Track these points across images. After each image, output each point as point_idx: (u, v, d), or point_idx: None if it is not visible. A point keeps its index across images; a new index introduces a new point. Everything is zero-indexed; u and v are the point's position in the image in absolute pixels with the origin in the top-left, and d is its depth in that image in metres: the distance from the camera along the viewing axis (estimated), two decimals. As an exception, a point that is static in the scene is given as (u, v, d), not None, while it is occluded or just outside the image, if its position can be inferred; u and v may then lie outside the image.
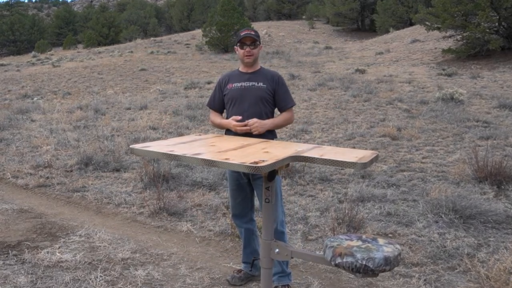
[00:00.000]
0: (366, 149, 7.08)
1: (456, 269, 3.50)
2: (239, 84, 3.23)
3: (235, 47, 3.28)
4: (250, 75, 3.25)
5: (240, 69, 3.33)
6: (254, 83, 3.22)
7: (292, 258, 2.54)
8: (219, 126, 3.32)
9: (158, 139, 8.30)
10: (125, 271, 3.55)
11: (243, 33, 3.18)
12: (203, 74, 22.13)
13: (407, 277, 3.41)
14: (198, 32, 41.78)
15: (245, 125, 3.08)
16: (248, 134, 3.09)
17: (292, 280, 3.30)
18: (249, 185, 3.28)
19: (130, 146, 2.49)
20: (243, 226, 3.38)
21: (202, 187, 5.65)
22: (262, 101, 3.20)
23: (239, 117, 3.12)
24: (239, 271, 3.45)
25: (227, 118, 3.25)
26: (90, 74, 23.53)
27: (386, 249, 2.13)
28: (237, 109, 3.19)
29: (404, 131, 8.24)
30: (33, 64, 32.52)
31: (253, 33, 3.20)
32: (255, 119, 3.11)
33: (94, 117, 11.43)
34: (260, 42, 3.25)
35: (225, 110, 3.38)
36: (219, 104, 3.35)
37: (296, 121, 9.79)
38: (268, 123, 3.16)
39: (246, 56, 3.18)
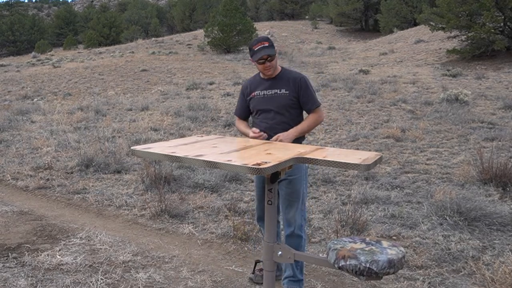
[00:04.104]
0: (369, 150, 7.04)
1: (461, 272, 3.47)
2: (261, 93, 3.18)
3: (251, 58, 3.18)
4: (271, 81, 3.19)
5: (261, 75, 3.26)
6: (276, 90, 3.16)
7: (294, 260, 2.51)
8: (242, 132, 3.32)
9: (160, 140, 8.27)
10: (126, 274, 3.52)
11: (258, 48, 3.08)
12: (205, 74, 22.13)
13: (411, 280, 3.38)
14: (200, 32, 41.87)
15: (261, 136, 3.06)
16: None
17: (303, 287, 3.22)
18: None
19: (131, 148, 2.45)
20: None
21: (204, 189, 5.62)
22: (286, 108, 3.15)
23: (257, 130, 3.09)
24: (262, 269, 3.37)
25: (253, 126, 3.23)
26: (90, 74, 23.55)
27: (390, 251, 2.12)
28: (263, 118, 3.17)
29: (408, 133, 8.20)
30: (33, 65, 32.61)
31: (267, 44, 3.09)
32: (277, 136, 3.05)
33: (95, 118, 11.41)
34: (275, 49, 3.16)
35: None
36: (244, 111, 3.35)
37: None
38: (292, 133, 3.10)
39: (266, 70, 3.14)
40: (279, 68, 3.23)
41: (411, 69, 18.75)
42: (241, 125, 3.33)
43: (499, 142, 7.33)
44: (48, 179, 6.28)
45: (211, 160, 2.11)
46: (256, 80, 3.27)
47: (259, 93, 3.19)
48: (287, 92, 3.14)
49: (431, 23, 21.99)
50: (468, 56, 19.43)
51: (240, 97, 3.36)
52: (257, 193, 3.34)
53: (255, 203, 3.45)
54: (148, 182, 5.75)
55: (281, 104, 3.13)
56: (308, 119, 3.21)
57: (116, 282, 3.39)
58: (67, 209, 5.19)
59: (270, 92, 3.15)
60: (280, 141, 3.00)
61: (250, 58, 3.23)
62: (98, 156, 6.90)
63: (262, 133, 3.07)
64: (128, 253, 3.89)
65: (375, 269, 2.03)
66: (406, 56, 23.33)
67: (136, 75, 22.57)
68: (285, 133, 3.07)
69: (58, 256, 3.77)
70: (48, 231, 4.43)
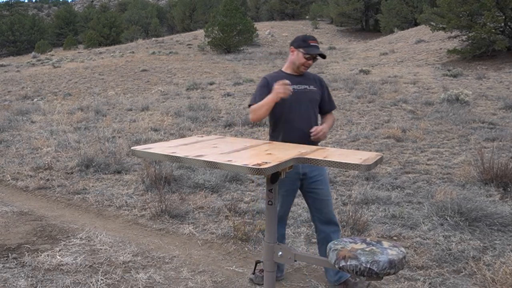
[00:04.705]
0: (370, 150, 7.03)
1: (462, 272, 3.46)
2: (290, 87, 3.10)
3: (293, 47, 3.14)
4: (300, 78, 3.17)
5: (287, 71, 3.22)
6: (306, 86, 3.15)
7: (295, 261, 2.50)
8: (260, 106, 3.04)
9: (160, 140, 8.27)
10: (126, 275, 3.51)
11: (313, 44, 3.09)
12: (205, 75, 22.13)
13: (412, 280, 3.37)
14: (200, 32, 41.90)
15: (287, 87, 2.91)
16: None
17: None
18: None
19: (132, 148, 2.45)
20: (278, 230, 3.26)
21: (205, 189, 5.61)
22: (315, 104, 3.17)
23: (287, 81, 2.95)
24: (262, 270, 3.37)
25: (277, 121, 3.14)
26: (91, 74, 23.57)
27: (390, 252, 2.12)
28: (294, 113, 3.10)
29: (409, 133, 8.19)
30: (33, 65, 32.64)
31: (319, 48, 3.14)
32: (320, 127, 3.05)
33: (95, 119, 11.41)
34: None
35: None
36: None
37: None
38: (326, 128, 3.12)
39: (305, 67, 3.13)
40: None
41: (411, 69, 18.75)
42: (259, 103, 3.07)
43: (500, 142, 7.32)
44: (48, 180, 6.27)
45: (211, 160, 2.10)
46: (281, 76, 3.18)
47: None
48: (315, 89, 3.17)
49: (432, 23, 22.00)
50: (469, 56, 19.42)
51: (260, 90, 3.16)
52: (281, 195, 3.19)
53: (278, 204, 3.21)
54: (148, 183, 5.74)
55: (312, 99, 3.15)
56: (329, 119, 3.26)
57: (116, 282, 3.38)
58: (67, 210, 5.18)
59: (301, 87, 3.13)
60: (324, 133, 3.05)
61: (291, 47, 3.16)
62: (98, 156, 6.89)
63: (287, 83, 2.92)
64: (128, 253, 3.88)
65: (375, 269, 2.03)
66: (406, 56, 23.32)
67: (136, 75, 22.57)
68: (325, 126, 3.10)
69: (58, 257, 3.77)
70: (48, 231, 4.42)
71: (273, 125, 3.18)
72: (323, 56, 3.13)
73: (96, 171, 6.51)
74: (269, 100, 2.96)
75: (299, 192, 3.26)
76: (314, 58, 3.12)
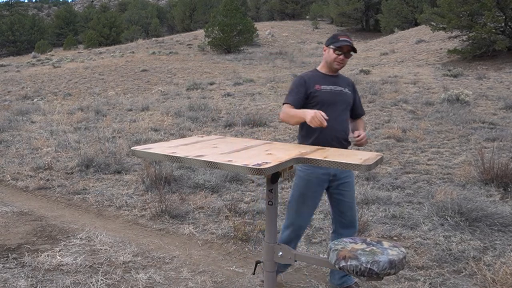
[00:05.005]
0: (370, 150, 7.03)
1: (462, 272, 3.45)
2: (328, 88, 3.06)
3: (325, 46, 3.10)
4: (335, 79, 3.12)
5: (322, 71, 3.15)
6: (341, 88, 3.10)
7: (295, 261, 2.50)
8: (292, 115, 2.98)
9: (160, 140, 8.27)
10: (126, 275, 3.51)
11: (343, 39, 3.01)
12: (205, 75, 22.13)
13: (412, 280, 3.37)
14: (200, 32, 41.89)
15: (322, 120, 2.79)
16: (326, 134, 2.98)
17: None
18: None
19: (132, 148, 2.44)
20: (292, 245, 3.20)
21: (205, 189, 5.60)
22: (348, 107, 3.13)
23: (326, 117, 2.83)
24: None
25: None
26: (91, 75, 23.56)
27: (391, 252, 2.12)
28: (330, 113, 2.97)
29: (409, 133, 8.19)
30: (33, 65, 32.64)
31: (351, 41, 3.04)
32: (364, 133, 3.03)
33: (95, 119, 11.41)
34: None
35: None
36: (300, 102, 3.05)
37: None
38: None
39: (338, 62, 3.04)
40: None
41: (412, 69, 18.74)
42: (292, 109, 3.01)
43: (500, 143, 7.32)
44: (48, 180, 6.26)
45: (211, 160, 2.10)
46: (316, 75, 3.13)
47: (325, 87, 3.06)
48: (349, 92, 3.13)
49: (432, 23, 22.00)
50: (469, 56, 19.42)
51: (296, 89, 3.07)
52: (310, 198, 3.08)
53: (296, 204, 3.13)
54: (149, 183, 5.74)
55: (347, 101, 3.10)
56: (362, 125, 3.24)
57: (116, 282, 3.38)
58: (67, 210, 5.18)
59: (337, 89, 3.08)
60: (366, 139, 3.03)
61: (324, 46, 3.12)
62: (98, 157, 6.88)
63: (326, 117, 2.79)
64: (129, 253, 3.88)
65: (376, 269, 2.03)
66: (407, 56, 23.32)
67: (137, 75, 22.57)
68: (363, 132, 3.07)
69: (58, 257, 3.76)
70: (48, 231, 4.42)
71: (307, 126, 2.99)
72: (354, 50, 3.04)
73: (96, 171, 6.51)
74: (301, 116, 2.88)
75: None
76: (345, 54, 3.03)
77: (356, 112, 3.23)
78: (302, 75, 3.17)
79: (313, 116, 2.75)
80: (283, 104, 3.09)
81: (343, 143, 3.06)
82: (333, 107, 3.02)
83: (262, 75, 19.49)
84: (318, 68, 3.18)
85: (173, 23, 70.61)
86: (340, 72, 3.20)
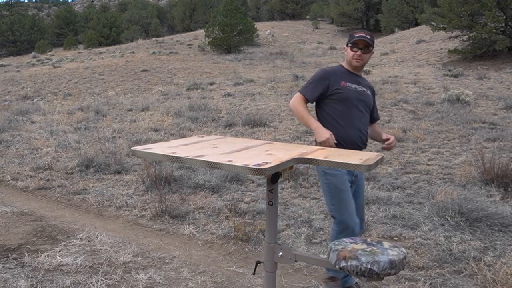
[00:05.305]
0: (371, 151, 7.02)
1: (462, 272, 3.45)
2: (352, 86, 3.01)
3: (345, 47, 3.08)
4: (359, 78, 3.09)
5: (347, 68, 3.10)
6: (364, 89, 3.07)
7: (296, 261, 2.49)
8: (301, 115, 2.99)
9: (160, 141, 8.26)
10: (126, 275, 3.50)
11: (357, 35, 2.98)
12: (205, 75, 22.12)
13: (413, 281, 3.37)
14: (201, 32, 41.86)
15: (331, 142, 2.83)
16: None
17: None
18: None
19: (132, 148, 2.44)
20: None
21: (205, 189, 5.60)
22: (369, 109, 3.12)
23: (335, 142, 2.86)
24: (333, 278, 3.22)
25: (336, 117, 3.00)
26: (91, 75, 23.55)
27: (391, 252, 2.11)
28: (354, 112, 2.99)
29: (410, 133, 8.19)
30: (33, 65, 32.63)
31: (368, 37, 2.98)
32: (393, 137, 3.04)
33: (95, 119, 11.40)
34: (373, 47, 3.05)
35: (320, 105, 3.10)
36: (316, 96, 3.01)
37: (300, 122, 9.75)
38: None
39: (355, 59, 3.00)
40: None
41: (412, 69, 18.74)
42: (302, 106, 2.99)
43: (501, 143, 7.32)
44: (48, 180, 6.26)
45: (211, 160, 2.09)
46: (341, 70, 3.07)
47: (350, 85, 3.01)
48: (370, 94, 3.12)
49: (433, 23, 22.00)
50: (470, 56, 19.41)
51: (315, 82, 3.02)
52: (346, 194, 2.97)
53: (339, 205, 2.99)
54: (149, 183, 5.73)
55: (368, 103, 3.08)
56: (380, 129, 3.25)
57: (116, 283, 3.37)
58: (67, 210, 5.18)
59: (361, 88, 3.05)
60: (393, 141, 3.04)
61: (345, 46, 3.11)
62: (98, 157, 6.88)
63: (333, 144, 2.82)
64: (129, 254, 3.87)
65: (376, 270, 2.02)
66: (407, 56, 23.32)
67: (137, 75, 22.56)
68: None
69: (58, 257, 3.76)
70: (48, 231, 4.42)
71: (329, 120, 2.98)
72: (371, 44, 2.99)
73: (96, 171, 6.51)
74: (309, 124, 2.92)
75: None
76: (363, 49, 2.97)
77: (373, 116, 3.22)
78: (326, 69, 3.13)
79: (323, 137, 2.81)
80: (298, 92, 3.06)
81: (364, 144, 3.05)
82: (357, 107, 3.00)
83: (262, 75, 19.48)
84: (343, 64, 3.13)
85: (173, 23, 70.60)
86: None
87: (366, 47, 2.98)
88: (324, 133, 2.84)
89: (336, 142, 2.83)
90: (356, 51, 2.98)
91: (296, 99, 3.02)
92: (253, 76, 19.53)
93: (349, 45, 3.01)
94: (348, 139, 2.94)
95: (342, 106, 2.96)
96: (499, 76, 15.53)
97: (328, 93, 3.00)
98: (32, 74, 25.13)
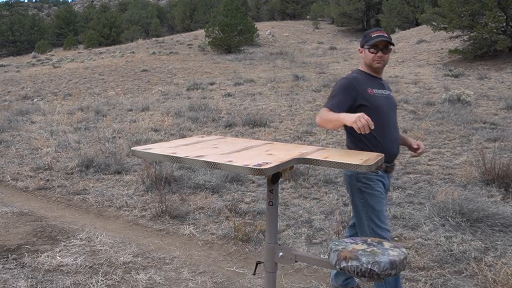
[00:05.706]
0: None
1: (463, 273, 3.45)
2: (379, 92, 2.80)
3: (360, 48, 2.86)
4: (381, 82, 2.88)
5: (367, 71, 2.87)
6: (388, 92, 2.88)
7: (296, 262, 2.49)
8: (329, 119, 2.62)
9: (160, 141, 8.26)
10: (126, 275, 3.50)
11: (376, 35, 2.75)
12: (205, 75, 22.11)
13: (413, 281, 3.36)
14: (201, 32, 41.83)
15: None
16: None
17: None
18: None
19: (132, 148, 2.43)
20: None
21: (205, 189, 5.60)
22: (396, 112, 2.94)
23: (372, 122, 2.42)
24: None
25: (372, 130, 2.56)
26: (91, 75, 23.54)
27: (391, 252, 2.10)
28: (389, 121, 2.80)
29: (410, 133, 8.18)
30: (33, 65, 32.61)
31: (386, 35, 2.77)
32: (422, 144, 2.96)
33: (95, 119, 11.40)
34: (393, 45, 2.87)
35: None
36: (345, 109, 2.68)
37: (300, 122, 9.74)
38: None
39: (377, 61, 2.78)
40: None
41: (413, 69, 18.73)
42: (331, 112, 2.64)
43: (502, 143, 7.31)
44: (48, 180, 6.26)
45: (211, 160, 2.09)
46: (364, 77, 2.83)
47: (377, 91, 2.79)
48: (393, 96, 2.96)
49: (433, 23, 22.00)
50: (470, 56, 19.41)
51: (343, 93, 2.72)
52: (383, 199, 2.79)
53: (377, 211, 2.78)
54: (149, 183, 5.73)
55: (395, 106, 2.90)
56: (402, 134, 3.11)
57: (116, 283, 3.37)
58: (67, 210, 5.17)
59: (386, 92, 2.85)
60: (424, 148, 2.97)
61: (359, 48, 2.88)
62: (98, 157, 6.88)
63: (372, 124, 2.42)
64: (129, 254, 3.87)
65: (376, 270, 2.02)
66: (408, 56, 23.31)
67: (137, 75, 22.55)
68: None
69: (58, 257, 3.75)
70: (48, 232, 4.41)
71: (366, 136, 2.74)
72: (391, 43, 2.80)
73: (96, 172, 6.50)
74: (342, 120, 2.52)
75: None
76: (383, 50, 2.78)
77: None
78: (349, 77, 2.83)
79: (358, 120, 2.38)
80: (324, 106, 2.72)
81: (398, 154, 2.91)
82: (389, 114, 2.81)
83: (262, 75, 19.47)
84: (361, 68, 2.90)
85: (174, 23, 70.58)
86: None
87: (386, 46, 2.79)
88: (352, 114, 2.48)
89: (372, 123, 2.43)
90: (376, 53, 2.78)
91: (322, 113, 2.69)
92: (253, 76, 19.52)
93: (366, 46, 2.80)
94: (387, 153, 2.71)
95: (375, 118, 2.58)
96: (500, 76, 15.53)
97: (356, 104, 2.73)
98: (32, 74, 25.13)
